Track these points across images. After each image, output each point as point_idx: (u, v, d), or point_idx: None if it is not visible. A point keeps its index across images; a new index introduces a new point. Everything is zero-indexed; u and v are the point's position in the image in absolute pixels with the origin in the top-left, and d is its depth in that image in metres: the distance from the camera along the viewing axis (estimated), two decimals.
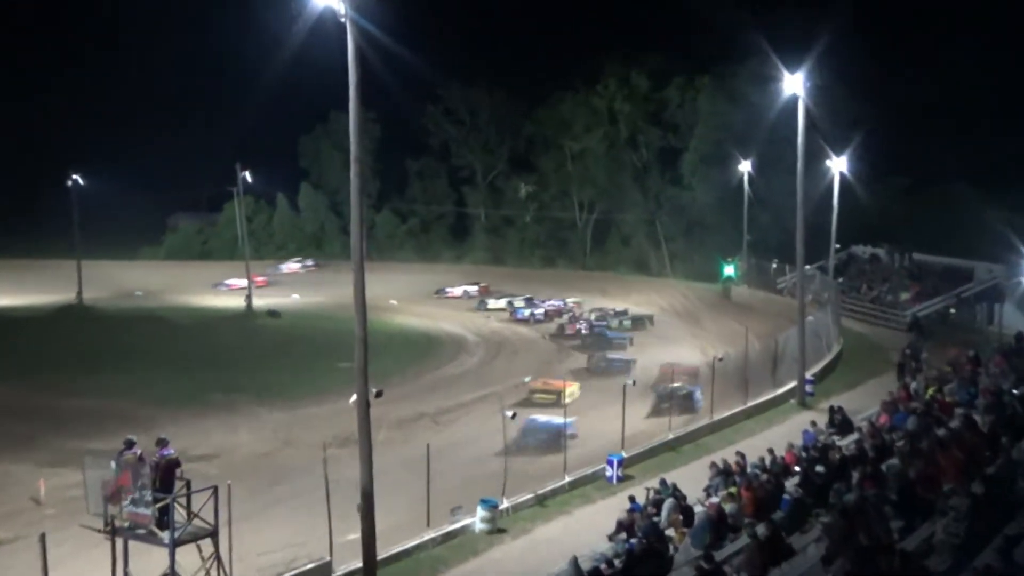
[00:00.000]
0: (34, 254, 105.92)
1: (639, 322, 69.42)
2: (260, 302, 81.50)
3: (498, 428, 32.15)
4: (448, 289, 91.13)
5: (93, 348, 61.39)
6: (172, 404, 44.74)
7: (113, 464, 22.15)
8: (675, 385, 41.65)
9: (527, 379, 46.41)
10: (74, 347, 61.67)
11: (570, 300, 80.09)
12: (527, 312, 76.71)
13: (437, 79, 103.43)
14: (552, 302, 79.19)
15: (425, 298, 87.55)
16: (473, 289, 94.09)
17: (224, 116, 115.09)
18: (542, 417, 37.91)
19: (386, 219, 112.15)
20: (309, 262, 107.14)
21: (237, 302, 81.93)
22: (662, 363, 48.40)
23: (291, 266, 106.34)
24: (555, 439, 34.76)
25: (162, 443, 22.53)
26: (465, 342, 66.15)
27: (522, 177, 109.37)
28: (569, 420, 35.54)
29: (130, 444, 22.68)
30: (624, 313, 71.38)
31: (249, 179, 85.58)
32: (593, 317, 70.10)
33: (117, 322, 73.74)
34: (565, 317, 72.85)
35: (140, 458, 22.18)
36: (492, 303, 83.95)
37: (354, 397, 24.22)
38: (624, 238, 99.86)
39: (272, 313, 78.36)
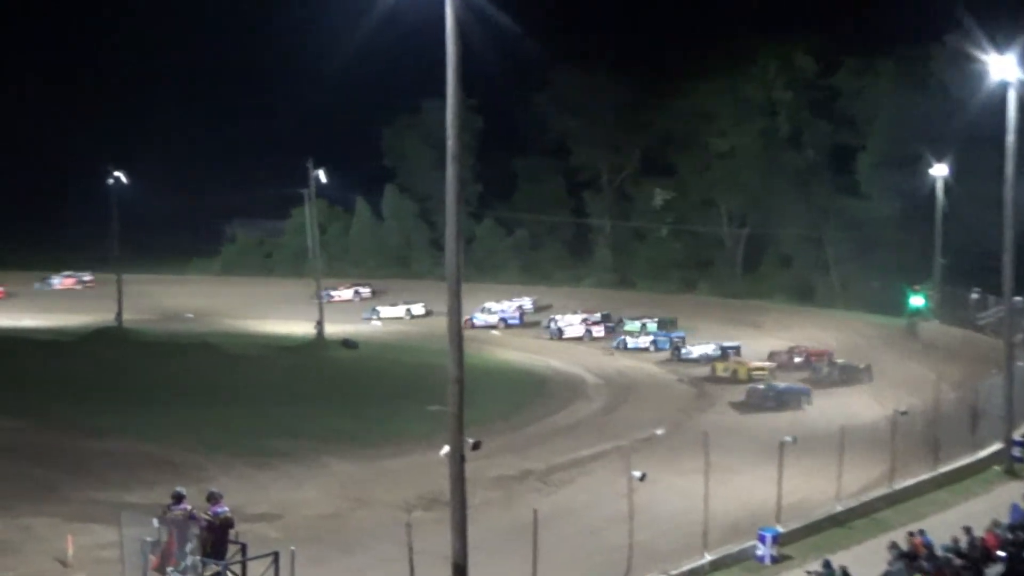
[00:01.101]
0: (64, 267, 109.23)
1: (850, 373, 65.85)
2: (334, 329, 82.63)
3: (621, 492, 31.92)
4: (331, 292, 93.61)
5: (131, 380, 62.78)
6: (224, 450, 45.42)
7: (156, 523, 22.53)
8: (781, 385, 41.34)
9: (659, 431, 46.13)
10: (109, 378, 63.13)
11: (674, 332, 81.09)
12: (691, 352, 75.40)
13: (549, 60, 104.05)
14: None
15: (532, 327, 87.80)
16: (366, 291, 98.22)
17: (293, 105, 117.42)
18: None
19: (488, 230, 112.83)
20: (86, 276, 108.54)
21: (305, 328, 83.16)
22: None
23: (65, 280, 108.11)
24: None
25: (214, 498, 22.86)
26: (582, 384, 65.97)
27: (656, 181, 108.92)
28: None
29: (179, 498, 23.07)
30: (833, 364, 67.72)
31: (323, 180, 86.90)
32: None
33: (161, 349, 75.40)
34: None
35: (191, 515, 22.55)
36: (385, 311, 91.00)
37: (446, 449, 24.28)
38: (783, 258, 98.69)
39: (348, 343, 79.34)
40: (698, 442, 34.52)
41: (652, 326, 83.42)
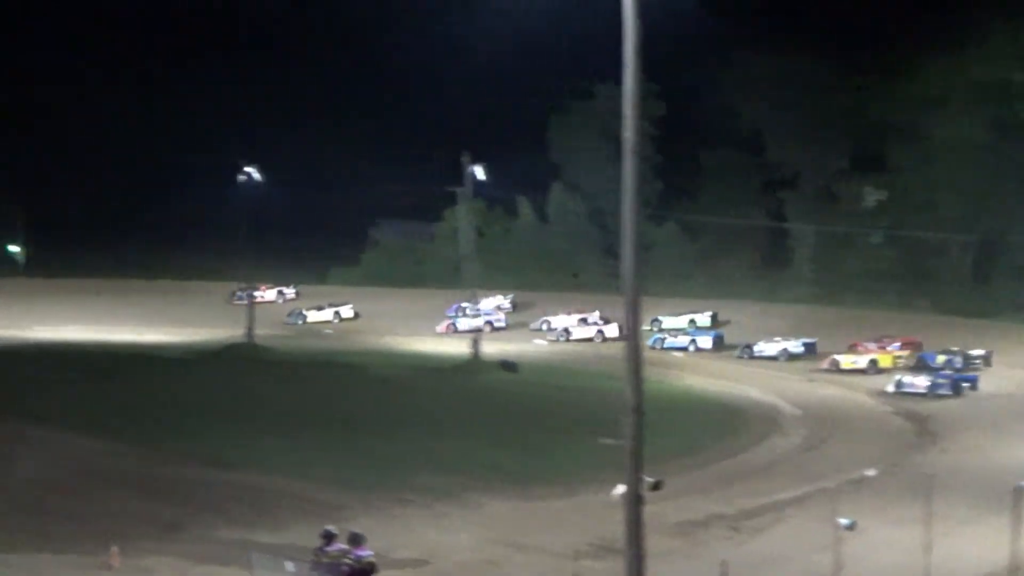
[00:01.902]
0: (184, 275, 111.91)
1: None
2: (492, 348, 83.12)
3: (825, 543, 31.44)
4: (253, 293, 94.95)
5: (262, 404, 63.92)
6: (365, 486, 45.83)
7: (290, 566, 22.94)
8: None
9: (871, 472, 45.40)
10: (237, 402, 64.38)
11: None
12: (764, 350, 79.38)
13: (740, 38, 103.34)
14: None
15: (725, 351, 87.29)
16: (290, 292, 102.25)
17: (446, 93, 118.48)
18: None
19: (670, 235, 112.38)
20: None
21: (461, 348, 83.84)
22: None
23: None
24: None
25: (356, 541, 23.21)
26: (780, 415, 65.33)
27: (868, 179, 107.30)
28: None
29: (329, 537, 23.54)
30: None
31: (480, 177, 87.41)
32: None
33: (296, 369, 76.72)
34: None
35: (345, 553, 22.90)
36: (311, 314, 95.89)
37: (620, 488, 24.15)
38: (1018, 270, 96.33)
39: (507, 365, 79.68)
40: (916, 484, 33.78)
41: (705, 320, 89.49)
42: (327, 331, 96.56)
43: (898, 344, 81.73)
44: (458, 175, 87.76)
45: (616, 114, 24.17)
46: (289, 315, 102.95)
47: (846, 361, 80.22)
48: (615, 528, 25.18)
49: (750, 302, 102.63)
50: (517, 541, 39.96)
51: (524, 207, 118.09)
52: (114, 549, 33.40)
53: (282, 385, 69.83)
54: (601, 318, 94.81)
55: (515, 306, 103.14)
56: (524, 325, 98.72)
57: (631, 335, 24.08)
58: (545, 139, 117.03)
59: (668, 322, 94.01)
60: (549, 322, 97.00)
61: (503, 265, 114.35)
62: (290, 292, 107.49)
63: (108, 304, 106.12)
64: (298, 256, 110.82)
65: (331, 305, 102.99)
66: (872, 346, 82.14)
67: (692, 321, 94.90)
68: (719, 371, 79.83)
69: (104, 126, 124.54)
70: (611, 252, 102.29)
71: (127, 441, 52.98)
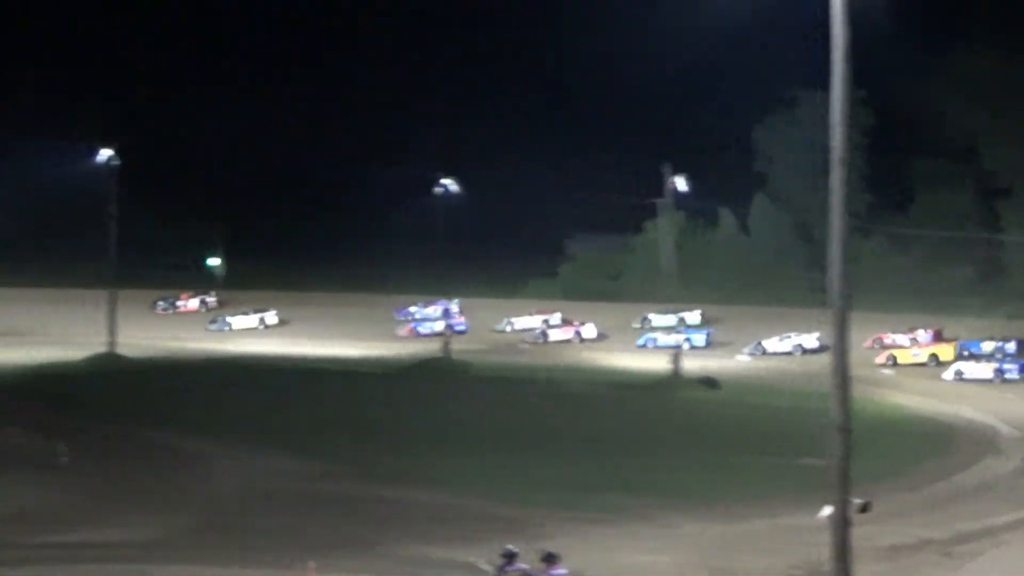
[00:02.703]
0: (368, 288, 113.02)
1: None
2: (693, 364, 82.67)
3: None
4: (178, 302, 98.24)
5: (455, 420, 64.62)
6: (556, 504, 45.92)
7: None
8: None
9: None
10: (428, 417, 65.18)
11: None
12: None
13: (953, 41, 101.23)
14: None
15: (934, 370, 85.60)
16: (212, 300, 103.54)
17: (647, 100, 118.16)
18: None
19: (879, 247, 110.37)
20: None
21: (660, 363, 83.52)
22: None
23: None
24: None
25: (551, 560, 23.21)
26: (995, 435, 63.84)
27: None
28: None
29: (510, 556, 23.52)
30: None
31: (682, 188, 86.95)
32: None
33: (489, 384, 77.31)
34: None
35: (525, 573, 22.95)
36: (236, 320, 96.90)
37: (826, 510, 23.83)
38: None
39: (708, 382, 79.21)
40: None
41: (693, 319, 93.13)
42: (524, 345, 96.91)
43: (930, 335, 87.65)
44: (658, 186, 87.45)
45: (823, 123, 23.84)
46: (213, 322, 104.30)
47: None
48: (821, 551, 24.79)
49: (966, 317, 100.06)
50: (719, 564, 39.54)
51: (725, 219, 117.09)
52: (311, 564, 33.98)
53: (476, 402, 70.45)
54: (257, 311, 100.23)
55: (461, 311, 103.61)
56: (723, 343, 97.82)
57: (838, 351, 23.73)
58: (749, 149, 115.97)
59: (657, 320, 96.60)
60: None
61: (702, 278, 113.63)
62: (212, 300, 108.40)
63: (305, 317, 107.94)
64: (494, 269, 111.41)
65: (256, 311, 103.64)
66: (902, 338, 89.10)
67: (682, 320, 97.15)
68: (929, 390, 78.27)
69: (300, 139, 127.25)
70: (816, 265, 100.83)
71: (320, 459, 54.31)
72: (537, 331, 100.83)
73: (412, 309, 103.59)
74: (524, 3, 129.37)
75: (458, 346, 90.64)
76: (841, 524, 23.75)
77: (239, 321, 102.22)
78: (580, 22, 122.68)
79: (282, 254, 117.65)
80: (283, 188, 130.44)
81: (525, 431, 61.72)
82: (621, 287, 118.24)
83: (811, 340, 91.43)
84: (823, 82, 23.46)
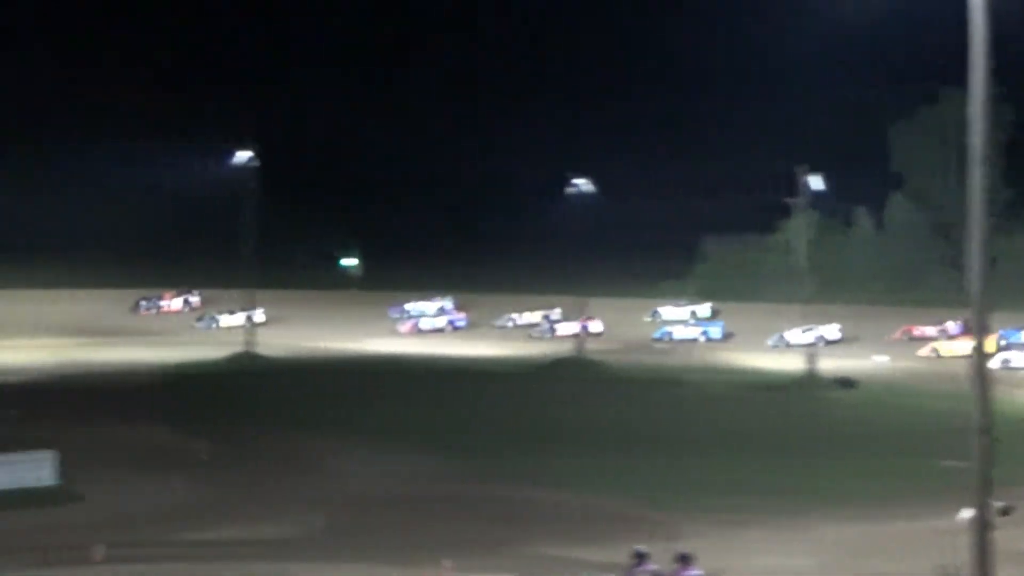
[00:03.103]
0: (498, 288, 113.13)
1: None
2: (829, 364, 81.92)
3: None
4: (161, 302, 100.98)
5: (591, 420, 64.62)
6: (691, 506, 45.83)
7: None
8: None
9: None
10: (561, 417, 65.26)
11: None
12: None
13: None
14: None
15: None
16: (195, 299, 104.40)
17: (780, 99, 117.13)
18: None
19: (1020, 246, 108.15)
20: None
21: (795, 363, 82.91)
22: None
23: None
24: None
25: (684, 561, 23.13)
26: None
27: None
28: None
29: (640, 557, 23.46)
30: None
31: (817, 188, 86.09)
32: None
33: (623, 384, 77.22)
34: None
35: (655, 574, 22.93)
36: (224, 319, 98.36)
37: (967, 513, 23.47)
38: None
39: (845, 383, 78.47)
40: None
41: (706, 312, 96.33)
42: (659, 346, 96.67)
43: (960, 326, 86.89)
44: (793, 186, 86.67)
45: (962, 121, 23.48)
46: (200, 320, 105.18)
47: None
48: (960, 555, 24.42)
49: None
50: (858, 567, 39.15)
51: (862, 218, 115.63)
52: (448, 563, 34.25)
53: (611, 402, 70.43)
54: (244, 309, 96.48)
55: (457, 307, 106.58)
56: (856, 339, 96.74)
57: (978, 352, 23.35)
58: (884, 147, 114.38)
59: (668, 313, 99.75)
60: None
61: (838, 278, 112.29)
62: (195, 299, 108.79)
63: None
64: (626, 269, 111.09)
65: (243, 310, 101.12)
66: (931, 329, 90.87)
67: (693, 313, 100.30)
68: None
69: (433, 140, 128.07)
70: (955, 264, 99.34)
71: (455, 459, 54.93)
72: (544, 326, 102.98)
73: (408, 306, 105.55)
74: (658, 3, 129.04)
75: (591, 346, 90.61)
76: (981, 527, 23.38)
77: (227, 319, 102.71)
78: (716, 21, 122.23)
79: (417, 254, 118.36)
80: (419, 189, 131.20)
81: (660, 432, 61.56)
82: (755, 288, 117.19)
83: (833, 331, 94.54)
84: (961, 79, 23.08)
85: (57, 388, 75.28)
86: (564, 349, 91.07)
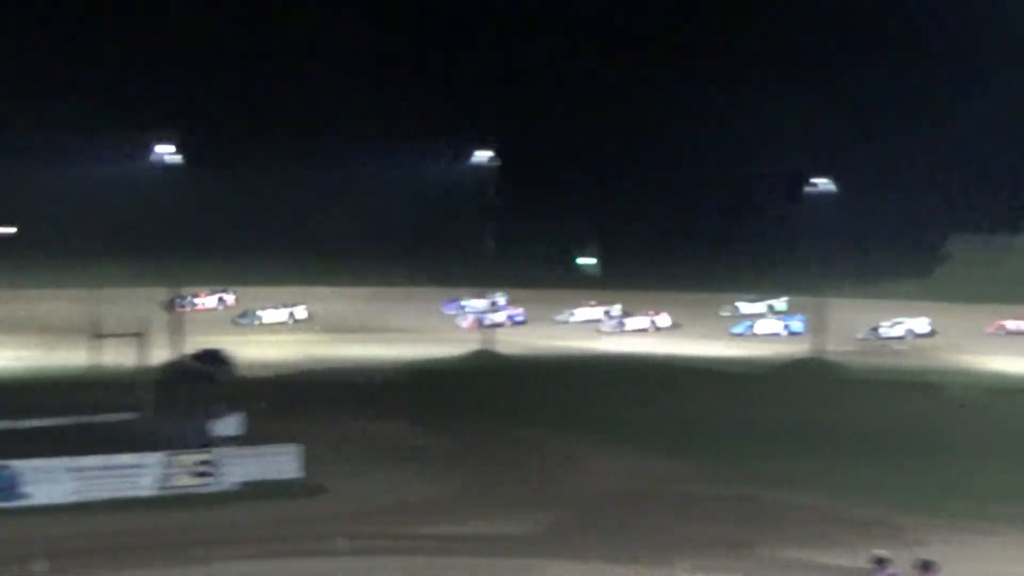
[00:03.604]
0: (733, 287, 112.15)
1: None
2: None
3: None
4: (195, 300, 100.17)
5: (833, 423, 63.78)
6: (936, 511, 44.80)
7: None
8: None
9: None
10: (802, 419, 64.51)
11: None
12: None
13: None
14: None
15: None
16: (229, 297, 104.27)
17: None
18: None
19: None
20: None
21: None
22: None
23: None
24: None
25: (927, 568, 22.67)
26: None
27: None
28: None
29: (881, 562, 23.06)
30: None
31: None
32: None
33: (865, 387, 76.06)
34: None
35: None
36: (266, 315, 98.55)
37: None
38: None
39: None
40: None
41: (781, 306, 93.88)
42: (900, 347, 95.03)
43: None
44: None
45: None
46: (243, 316, 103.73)
47: None
48: None
49: None
50: None
51: None
52: (685, 564, 34.18)
53: (853, 404, 69.47)
54: (286, 305, 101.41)
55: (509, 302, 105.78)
56: None
57: None
58: None
59: (745, 308, 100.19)
60: None
61: None
62: (229, 297, 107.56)
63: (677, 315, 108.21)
64: (863, 268, 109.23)
65: (285, 306, 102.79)
66: None
67: (770, 307, 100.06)
68: None
69: (670, 137, 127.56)
70: None
71: (691, 459, 54.82)
72: (612, 321, 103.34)
73: (463, 302, 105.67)
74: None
75: (835, 347, 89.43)
76: None
77: (269, 315, 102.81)
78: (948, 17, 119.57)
79: (654, 253, 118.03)
80: (655, 188, 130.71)
81: (905, 435, 60.46)
82: (1000, 291, 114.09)
83: (923, 325, 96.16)
84: None
85: (302, 383, 77.16)
86: (801, 349, 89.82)
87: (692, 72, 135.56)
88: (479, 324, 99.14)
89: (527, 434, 60.49)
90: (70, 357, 79.34)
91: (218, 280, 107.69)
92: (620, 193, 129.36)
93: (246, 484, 46.94)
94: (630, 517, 43.86)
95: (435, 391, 74.55)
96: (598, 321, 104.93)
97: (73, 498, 44.21)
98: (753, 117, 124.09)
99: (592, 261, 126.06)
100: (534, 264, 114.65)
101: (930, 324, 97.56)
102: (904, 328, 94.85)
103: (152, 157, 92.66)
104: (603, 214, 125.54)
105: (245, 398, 60.31)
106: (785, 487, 49.00)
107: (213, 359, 79.37)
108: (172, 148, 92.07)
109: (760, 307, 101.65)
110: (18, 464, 44.39)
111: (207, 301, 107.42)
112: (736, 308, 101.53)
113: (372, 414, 64.21)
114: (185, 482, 46.51)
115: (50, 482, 44.42)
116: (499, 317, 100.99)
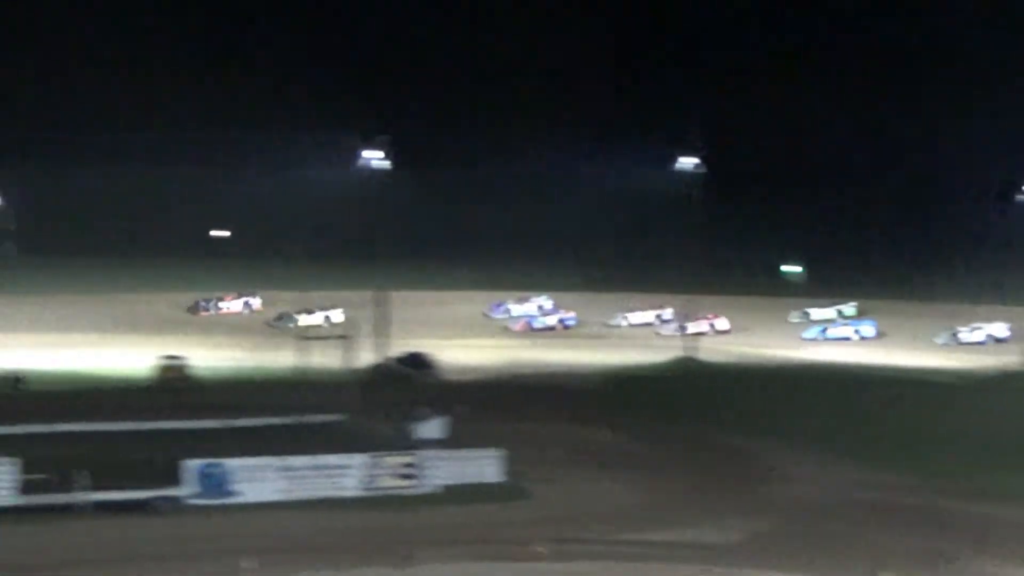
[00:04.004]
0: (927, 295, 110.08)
1: None
2: None
3: None
4: (220, 303, 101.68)
5: None
6: None
7: None
8: None
9: None
10: (1012, 432, 62.79)
11: None
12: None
13: None
14: None
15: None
16: (255, 301, 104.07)
17: None
18: None
19: None
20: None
21: None
22: None
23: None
24: None
25: None
26: None
27: None
28: None
29: None
30: None
31: None
32: None
33: None
34: None
35: None
36: (302, 319, 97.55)
37: None
38: None
39: None
40: None
41: (850, 311, 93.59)
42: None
43: None
44: None
45: None
46: (279, 319, 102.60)
47: None
48: None
49: None
50: None
51: None
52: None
53: None
54: (322, 308, 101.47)
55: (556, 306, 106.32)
56: None
57: None
58: None
59: (816, 314, 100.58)
60: None
61: None
62: (255, 301, 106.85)
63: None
64: None
65: (321, 309, 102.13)
66: None
67: (840, 312, 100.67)
68: None
69: (879, 145, 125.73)
70: None
71: (894, 470, 54.18)
72: (673, 324, 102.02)
73: (509, 305, 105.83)
74: None
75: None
76: None
77: (305, 319, 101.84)
78: None
79: (862, 260, 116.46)
80: (861, 196, 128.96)
81: None
82: None
83: (1002, 330, 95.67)
84: None
85: (504, 387, 77.61)
86: (1012, 361, 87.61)
87: (904, 79, 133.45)
88: (529, 327, 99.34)
89: (731, 442, 60.11)
90: (279, 357, 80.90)
91: (411, 283, 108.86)
92: (827, 201, 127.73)
93: (448, 487, 47.45)
94: (834, 527, 43.57)
95: (638, 397, 74.33)
96: (650, 325, 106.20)
97: (281, 496, 45.25)
98: (967, 126, 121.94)
99: (797, 269, 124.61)
100: (736, 271, 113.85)
101: (1009, 329, 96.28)
102: (984, 333, 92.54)
103: (359, 161, 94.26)
104: (809, 223, 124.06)
105: (447, 401, 60.90)
106: (992, 501, 48.03)
107: (417, 362, 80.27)
108: (380, 153, 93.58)
109: (830, 312, 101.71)
110: (230, 462, 45.53)
111: (232, 305, 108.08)
112: (807, 314, 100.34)
113: (574, 419, 64.33)
114: (389, 483, 47.21)
115: (260, 480, 45.51)
116: (551, 320, 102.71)
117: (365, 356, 77.65)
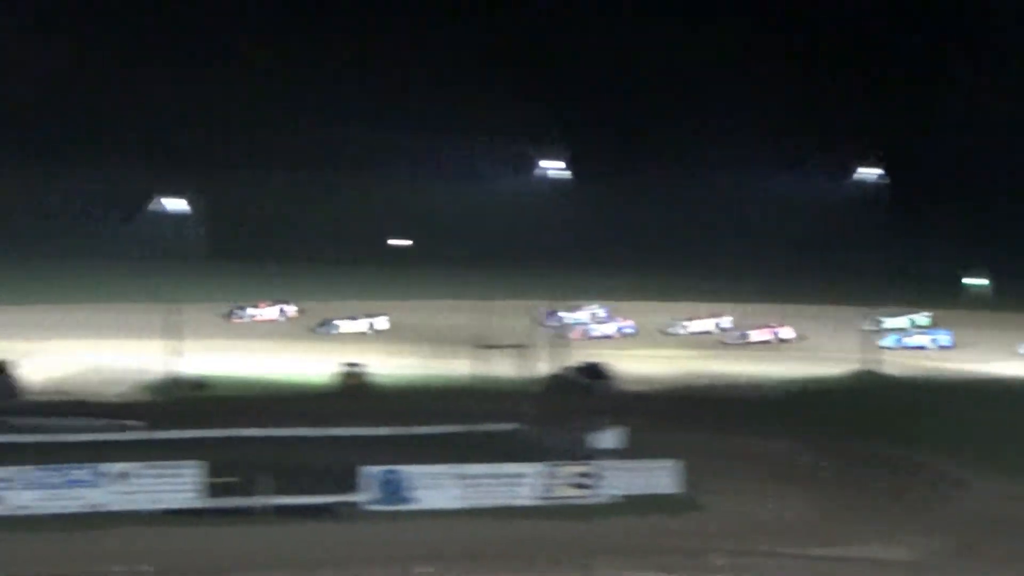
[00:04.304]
0: None
1: None
2: None
3: None
4: (250, 310, 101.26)
5: None
6: None
7: None
8: None
9: None
10: None
11: None
12: None
13: None
14: None
15: None
16: (290, 309, 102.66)
17: None
18: None
19: None
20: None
21: None
22: None
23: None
24: None
25: None
26: None
27: None
28: None
29: None
30: None
31: None
32: None
33: None
34: None
35: None
36: (344, 325, 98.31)
37: None
38: None
39: None
40: None
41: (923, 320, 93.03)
42: None
43: None
44: None
45: None
46: (322, 325, 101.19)
47: None
48: None
49: None
50: None
51: None
52: None
53: None
54: (368, 315, 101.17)
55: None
56: None
57: None
58: None
59: (889, 322, 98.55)
60: None
61: None
62: (290, 309, 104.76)
63: None
64: None
65: (367, 316, 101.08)
66: None
67: (912, 321, 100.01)
68: None
69: None
70: None
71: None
72: (736, 332, 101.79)
73: (561, 314, 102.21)
74: None
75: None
76: None
77: (347, 325, 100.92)
78: None
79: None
80: None
81: None
82: None
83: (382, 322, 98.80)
84: None
85: (680, 398, 77.40)
86: None
87: None
88: (587, 336, 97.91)
89: (911, 456, 58.97)
90: (457, 366, 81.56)
91: (589, 294, 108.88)
92: (1010, 211, 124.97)
93: (624, 497, 47.40)
94: (1014, 546, 42.43)
95: (817, 410, 73.43)
96: (710, 333, 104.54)
97: (457, 504, 45.64)
98: None
99: (983, 281, 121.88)
100: (919, 282, 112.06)
101: None
102: None
103: (537, 171, 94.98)
104: (994, 234, 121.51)
105: (624, 412, 60.81)
106: None
107: (593, 372, 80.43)
108: (561, 164, 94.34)
109: (902, 321, 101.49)
110: (408, 469, 46.06)
111: (266, 312, 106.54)
112: (880, 321, 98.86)
113: (752, 431, 63.78)
114: (565, 493, 47.35)
115: (437, 487, 45.97)
116: (609, 328, 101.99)
117: (541, 366, 77.85)
